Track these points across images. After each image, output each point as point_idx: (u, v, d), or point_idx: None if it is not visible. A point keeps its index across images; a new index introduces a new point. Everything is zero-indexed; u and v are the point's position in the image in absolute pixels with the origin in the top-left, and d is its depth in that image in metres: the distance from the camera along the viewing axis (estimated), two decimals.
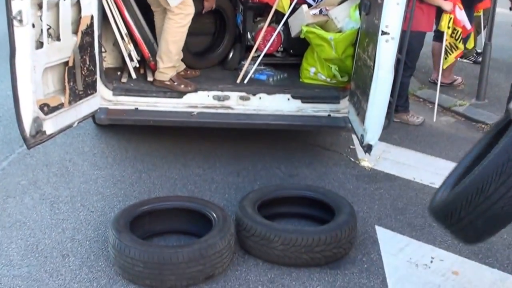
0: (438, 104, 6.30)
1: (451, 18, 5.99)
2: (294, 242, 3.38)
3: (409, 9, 3.74)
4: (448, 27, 6.03)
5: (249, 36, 5.24)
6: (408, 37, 3.88)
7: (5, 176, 4.50)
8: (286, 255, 3.42)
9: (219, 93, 4.58)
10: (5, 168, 4.63)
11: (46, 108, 3.69)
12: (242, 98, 4.58)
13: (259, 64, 4.97)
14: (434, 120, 5.95)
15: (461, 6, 6.02)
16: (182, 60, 4.93)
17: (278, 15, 5.06)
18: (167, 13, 4.46)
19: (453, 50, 6.27)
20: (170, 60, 4.54)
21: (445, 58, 6.25)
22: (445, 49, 6.18)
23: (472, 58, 8.11)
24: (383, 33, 3.68)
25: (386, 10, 3.65)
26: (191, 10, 4.48)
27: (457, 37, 6.17)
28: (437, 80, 6.41)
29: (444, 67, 6.43)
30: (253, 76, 4.90)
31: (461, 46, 6.23)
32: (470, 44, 7.22)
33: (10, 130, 5.20)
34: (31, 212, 4.02)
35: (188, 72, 5.10)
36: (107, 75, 4.56)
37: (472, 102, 6.61)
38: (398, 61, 3.93)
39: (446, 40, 6.13)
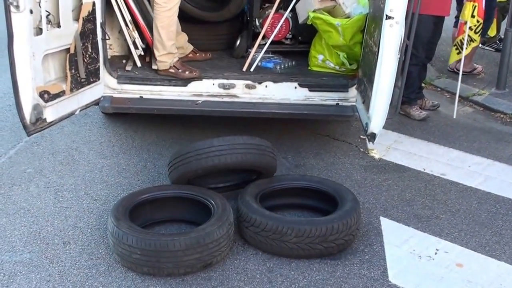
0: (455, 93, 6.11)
1: (475, 6, 5.64)
2: (308, 233, 3.32)
3: None
4: (472, 16, 5.67)
5: (256, 23, 5.16)
6: (416, 21, 3.76)
7: (12, 164, 4.52)
8: (300, 247, 3.35)
9: (225, 81, 4.52)
10: (12, 157, 4.65)
11: (47, 96, 3.68)
12: (248, 86, 4.51)
13: (267, 52, 4.89)
14: (455, 115, 5.73)
15: None
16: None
17: (286, 1, 4.97)
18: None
19: (468, 44, 5.95)
20: (163, 47, 4.47)
21: (459, 53, 5.93)
22: (465, 41, 5.83)
23: (495, 45, 7.84)
24: (388, 17, 3.56)
25: None
26: None
27: (477, 30, 5.86)
28: (456, 69, 6.19)
29: (450, 62, 6.12)
30: (260, 64, 4.82)
31: (478, 38, 5.95)
32: (492, 31, 6.98)
33: (18, 118, 5.21)
34: (36, 199, 4.03)
35: (198, 54, 5.05)
36: (113, 63, 4.53)
37: (492, 91, 6.42)
38: (406, 48, 3.82)
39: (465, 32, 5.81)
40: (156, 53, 4.51)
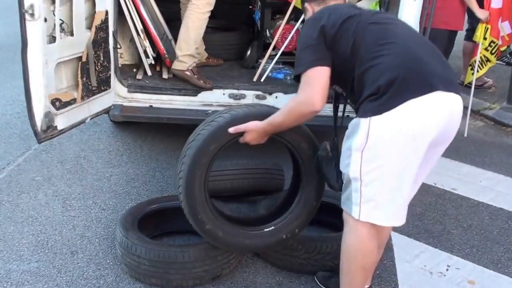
0: (467, 107, 6.07)
1: (487, 28, 5.65)
2: (319, 250, 3.28)
3: (429, 5, 3.60)
4: (485, 38, 5.68)
5: (267, 33, 5.16)
6: (428, 35, 3.74)
7: (20, 172, 4.51)
8: (309, 263, 3.31)
9: (235, 91, 4.50)
10: (20, 164, 4.63)
11: (58, 103, 3.67)
12: (258, 97, 4.50)
13: (277, 63, 4.88)
14: (466, 130, 5.69)
15: (504, 16, 5.70)
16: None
17: (297, 13, 4.95)
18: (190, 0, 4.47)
19: (484, 64, 5.92)
20: (188, 47, 4.50)
21: (474, 72, 5.88)
22: (477, 62, 5.81)
23: (506, 59, 7.82)
24: None
25: (403, 7, 3.52)
26: (213, 0, 4.48)
27: (493, 51, 5.83)
28: (468, 83, 6.16)
29: (466, 81, 6.10)
30: (270, 74, 4.81)
31: (493, 59, 5.92)
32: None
33: (27, 126, 5.09)
34: (44, 208, 4.01)
35: (211, 60, 5.11)
36: (123, 72, 4.53)
37: (503, 106, 6.39)
38: None
39: (480, 52, 5.79)
40: (179, 52, 4.52)
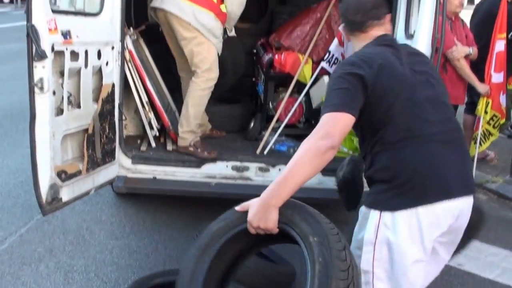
0: None
1: (488, 102, 5.71)
2: None
3: None
4: (486, 112, 5.73)
5: (270, 106, 5.24)
6: None
7: (23, 243, 4.46)
8: None
9: (238, 163, 4.53)
10: (23, 235, 4.60)
11: (64, 175, 3.68)
12: (261, 169, 4.52)
13: (280, 135, 4.93)
14: None
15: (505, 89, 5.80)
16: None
17: (300, 86, 5.07)
18: (192, 77, 4.55)
19: (487, 138, 5.97)
20: (188, 124, 4.57)
21: (477, 146, 5.93)
22: (479, 136, 5.84)
23: (507, 132, 7.89)
24: None
25: None
26: (214, 75, 4.55)
27: (495, 125, 5.89)
28: (471, 154, 6.19)
29: (473, 153, 6.16)
30: (273, 147, 4.85)
31: (496, 133, 5.98)
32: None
33: (30, 195, 5.14)
34: (45, 280, 3.95)
35: (214, 131, 5.18)
36: (127, 143, 4.57)
37: (506, 179, 6.38)
38: None
39: (482, 126, 5.84)
40: (180, 129, 4.59)
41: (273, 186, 2.37)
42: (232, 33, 5.00)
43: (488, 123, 5.80)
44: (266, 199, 2.36)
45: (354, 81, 2.43)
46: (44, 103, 3.42)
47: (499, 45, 5.69)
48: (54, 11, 3.52)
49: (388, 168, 2.47)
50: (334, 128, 2.34)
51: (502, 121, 6.72)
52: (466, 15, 6.47)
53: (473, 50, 5.66)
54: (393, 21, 4.16)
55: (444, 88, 2.71)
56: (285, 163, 4.44)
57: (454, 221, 2.48)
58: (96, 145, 3.96)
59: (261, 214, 2.35)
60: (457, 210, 2.48)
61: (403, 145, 2.45)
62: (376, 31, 2.69)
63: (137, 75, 4.59)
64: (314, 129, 2.40)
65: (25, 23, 3.30)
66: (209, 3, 4.44)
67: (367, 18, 2.68)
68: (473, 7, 6.84)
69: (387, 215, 2.43)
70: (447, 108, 2.61)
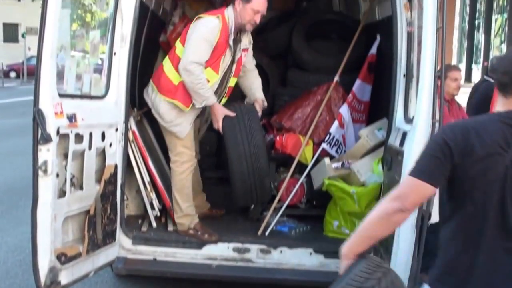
0: None
1: None
2: None
3: None
4: None
5: (272, 186, 5.26)
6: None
7: None
8: None
9: (239, 245, 4.50)
10: None
11: (64, 258, 3.67)
12: (262, 251, 4.48)
13: (282, 215, 4.92)
14: None
15: None
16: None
17: (301, 166, 5.11)
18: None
19: None
20: (180, 209, 4.57)
21: None
22: None
23: None
24: None
25: (406, 167, 3.62)
26: (187, 157, 4.55)
27: None
28: None
29: None
30: (274, 227, 4.83)
31: None
32: None
33: (28, 275, 5.03)
34: None
35: (214, 211, 5.16)
36: (128, 223, 4.56)
37: None
38: (422, 217, 3.83)
39: None
40: (175, 215, 4.60)
41: (350, 238, 2.40)
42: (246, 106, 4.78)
43: None
44: (343, 249, 2.39)
45: (443, 151, 2.22)
46: (47, 186, 3.45)
47: None
48: (61, 95, 3.63)
49: (447, 257, 2.36)
50: (409, 192, 2.25)
51: None
52: (463, 92, 6.60)
53: None
54: (392, 106, 4.27)
55: None
56: (287, 244, 4.52)
57: None
58: (97, 227, 3.96)
59: (340, 264, 2.40)
60: None
61: (468, 251, 2.30)
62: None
63: (139, 155, 4.65)
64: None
65: (31, 97, 3.38)
66: (167, 84, 4.43)
67: None
68: (471, 85, 6.99)
69: None
70: None
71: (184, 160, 4.56)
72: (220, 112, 4.43)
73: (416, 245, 3.84)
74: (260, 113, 4.70)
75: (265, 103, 4.81)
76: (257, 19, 4.40)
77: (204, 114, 4.94)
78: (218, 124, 4.44)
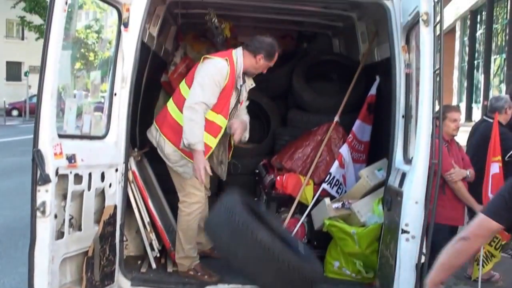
0: None
1: None
2: None
3: (431, 204, 3.68)
4: None
5: None
6: (431, 231, 3.79)
7: None
8: None
9: (240, 286, 4.43)
10: None
11: None
12: None
13: None
14: None
15: None
16: None
17: (302, 206, 5.10)
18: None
19: (489, 260, 5.92)
20: (182, 249, 4.52)
21: (480, 268, 5.86)
22: (481, 258, 5.81)
23: (510, 252, 7.79)
24: (403, 231, 3.62)
25: (405, 208, 3.61)
26: (196, 198, 4.49)
27: (496, 246, 5.87)
28: (475, 276, 6.07)
29: (473, 277, 6.05)
30: None
31: (498, 255, 5.94)
32: None
33: None
34: None
35: (214, 252, 5.03)
36: (127, 264, 4.52)
37: None
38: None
39: (484, 248, 5.80)
40: (176, 255, 4.56)
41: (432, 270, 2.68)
42: None
43: (490, 244, 5.75)
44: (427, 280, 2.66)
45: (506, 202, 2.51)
46: (45, 228, 3.44)
47: (494, 168, 5.77)
48: (60, 136, 3.63)
49: None
50: (476, 230, 2.53)
51: (503, 242, 6.68)
52: (462, 131, 6.61)
53: (470, 173, 5.74)
54: (391, 146, 4.28)
55: None
56: None
57: None
58: (95, 268, 3.92)
59: None
60: None
61: None
62: None
63: (139, 195, 4.63)
64: None
65: (32, 136, 3.38)
66: (171, 125, 4.42)
67: None
68: (471, 123, 7.00)
69: None
70: None
71: (193, 202, 4.50)
72: (203, 162, 4.23)
73: (417, 286, 3.80)
74: (239, 136, 4.54)
75: (248, 128, 4.67)
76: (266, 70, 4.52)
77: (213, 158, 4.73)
78: (201, 173, 4.21)
